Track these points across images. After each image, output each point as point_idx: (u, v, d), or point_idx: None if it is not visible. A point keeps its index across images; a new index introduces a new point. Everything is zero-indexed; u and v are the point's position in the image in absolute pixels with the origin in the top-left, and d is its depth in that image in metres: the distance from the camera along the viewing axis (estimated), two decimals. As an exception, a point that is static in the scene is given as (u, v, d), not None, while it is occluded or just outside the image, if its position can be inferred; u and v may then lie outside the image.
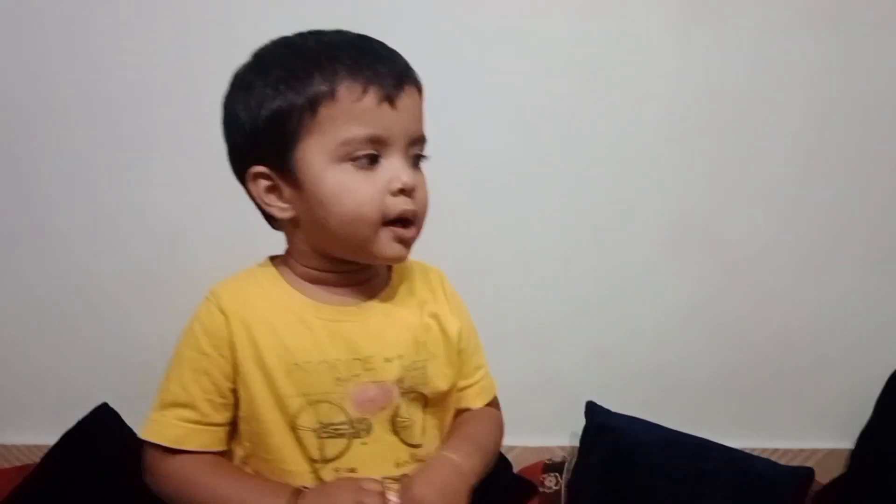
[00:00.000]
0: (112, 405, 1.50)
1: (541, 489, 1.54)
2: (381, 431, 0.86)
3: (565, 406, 1.62)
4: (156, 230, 1.56)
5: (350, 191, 0.81)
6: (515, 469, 1.57)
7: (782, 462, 1.56)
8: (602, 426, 1.52)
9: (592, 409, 1.56)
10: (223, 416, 0.87)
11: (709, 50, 1.59)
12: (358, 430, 0.85)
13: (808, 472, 1.48)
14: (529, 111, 1.57)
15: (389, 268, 0.96)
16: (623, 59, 1.59)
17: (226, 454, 0.90)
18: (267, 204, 0.86)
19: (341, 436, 0.84)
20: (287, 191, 0.84)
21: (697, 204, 1.64)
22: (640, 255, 1.64)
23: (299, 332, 0.85)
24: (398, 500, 0.80)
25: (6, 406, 1.58)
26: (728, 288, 1.67)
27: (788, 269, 1.66)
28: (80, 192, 1.55)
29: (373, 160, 0.81)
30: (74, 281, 1.57)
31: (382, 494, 0.79)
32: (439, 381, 0.91)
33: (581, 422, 1.57)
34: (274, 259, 0.93)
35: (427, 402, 0.91)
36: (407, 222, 0.85)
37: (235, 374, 0.85)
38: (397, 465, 0.87)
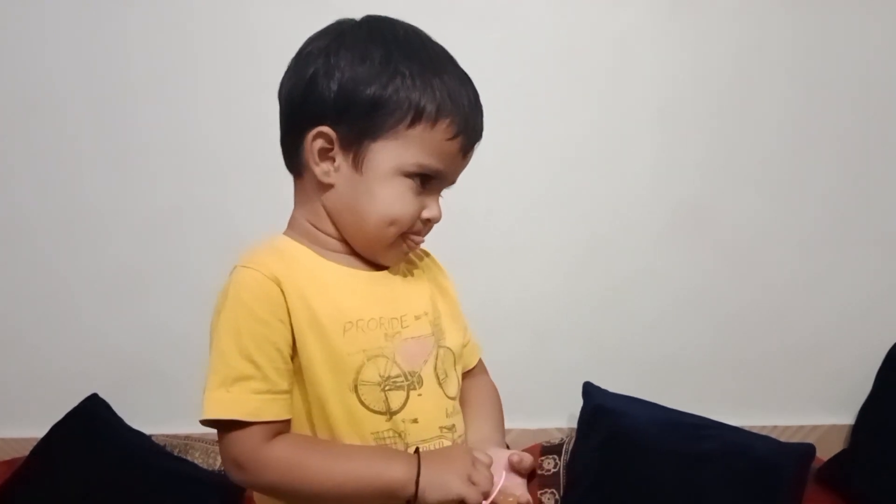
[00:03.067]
0: (102, 396, 1.48)
1: (539, 471, 1.53)
2: (430, 383, 0.89)
3: (562, 388, 1.61)
4: (142, 225, 1.55)
5: (404, 203, 0.86)
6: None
7: (783, 439, 1.54)
8: (599, 407, 1.51)
9: (589, 391, 1.54)
10: (288, 383, 0.86)
11: (696, 33, 1.58)
12: (413, 381, 0.88)
13: (809, 449, 1.46)
14: (517, 97, 1.56)
15: None
16: (609, 45, 1.58)
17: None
18: (316, 162, 0.86)
19: (400, 388, 0.87)
20: (343, 165, 0.86)
21: (691, 190, 1.63)
22: (637, 240, 1.64)
23: (347, 294, 0.88)
24: (501, 481, 0.85)
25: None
26: (725, 269, 1.65)
27: (785, 248, 1.65)
28: (68, 187, 1.54)
29: (426, 184, 0.87)
30: (61, 275, 1.55)
31: (489, 469, 0.84)
32: (454, 334, 0.96)
33: (578, 404, 1.56)
34: (288, 233, 0.93)
35: (455, 356, 0.95)
36: (417, 242, 0.92)
37: (293, 339, 0.85)
38: (447, 415, 0.91)
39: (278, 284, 0.83)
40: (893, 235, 1.65)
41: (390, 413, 0.86)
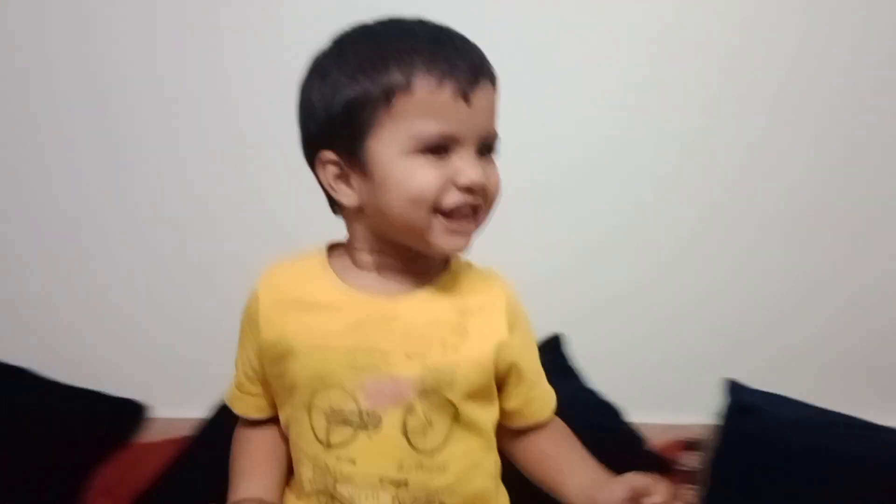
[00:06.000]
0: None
1: (677, 467, 1.51)
2: (389, 428, 0.84)
3: (702, 384, 1.58)
4: (255, 217, 1.63)
5: (415, 177, 0.80)
6: (651, 447, 1.54)
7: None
8: (745, 405, 1.48)
9: (733, 388, 1.52)
10: (256, 388, 0.96)
11: (815, 21, 1.55)
12: (366, 422, 0.84)
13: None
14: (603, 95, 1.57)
15: (447, 263, 0.94)
16: (724, 34, 1.56)
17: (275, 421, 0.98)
18: (334, 190, 0.86)
19: (348, 424, 0.84)
20: (355, 179, 0.84)
21: (806, 181, 1.60)
22: (764, 233, 1.62)
23: (326, 317, 0.86)
24: None
25: (162, 380, 1.67)
26: (863, 260, 1.62)
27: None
28: (177, 182, 1.64)
29: (442, 152, 0.81)
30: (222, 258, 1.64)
31: None
32: (465, 391, 0.87)
33: (718, 400, 1.53)
34: (332, 246, 0.95)
35: (458, 415, 0.87)
36: (461, 216, 0.84)
37: (260, 351, 0.91)
38: (400, 467, 0.84)
39: (256, 298, 0.91)
40: None
41: (328, 445, 0.86)
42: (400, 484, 0.84)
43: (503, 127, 0.89)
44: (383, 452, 0.84)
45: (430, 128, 0.79)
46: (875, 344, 1.63)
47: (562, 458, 0.96)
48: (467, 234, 0.85)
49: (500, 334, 0.90)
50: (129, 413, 1.65)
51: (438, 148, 0.80)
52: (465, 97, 0.80)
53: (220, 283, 1.60)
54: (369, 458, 0.84)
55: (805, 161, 1.60)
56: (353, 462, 0.84)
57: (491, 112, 0.85)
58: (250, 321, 0.91)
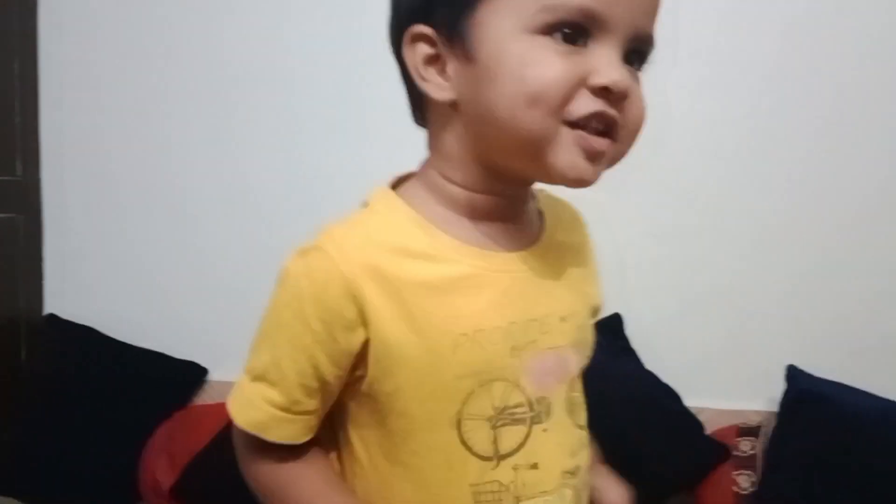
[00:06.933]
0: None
1: (735, 452, 1.49)
2: (559, 412, 0.67)
3: (760, 370, 1.56)
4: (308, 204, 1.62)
5: (537, 65, 0.58)
6: (707, 431, 1.52)
7: None
8: (806, 392, 1.45)
9: (794, 375, 1.49)
10: (317, 402, 0.66)
11: None
12: (538, 412, 0.66)
13: None
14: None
15: (530, 196, 0.73)
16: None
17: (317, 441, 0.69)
18: (423, 78, 0.63)
19: (520, 422, 0.65)
20: (452, 64, 0.62)
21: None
22: (838, 219, 1.57)
23: (463, 291, 0.64)
24: None
25: (222, 346, 1.71)
26: None
27: None
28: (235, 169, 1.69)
29: (578, 38, 0.58)
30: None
31: None
32: (593, 348, 0.74)
33: (777, 386, 1.51)
34: (401, 185, 0.69)
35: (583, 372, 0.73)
36: (599, 131, 0.60)
37: (362, 359, 0.64)
38: (572, 454, 0.69)
39: (354, 288, 0.61)
40: None
41: (498, 457, 0.64)
42: (574, 473, 0.68)
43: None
44: (559, 442, 0.67)
45: (570, 0, 0.57)
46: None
47: None
48: (600, 160, 0.61)
49: (598, 275, 0.76)
50: (191, 375, 1.69)
51: (574, 31, 0.58)
52: None
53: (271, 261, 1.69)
54: (551, 454, 0.67)
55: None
56: (536, 466, 0.66)
57: (654, 5, 0.62)
58: (334, 320, 0.62)
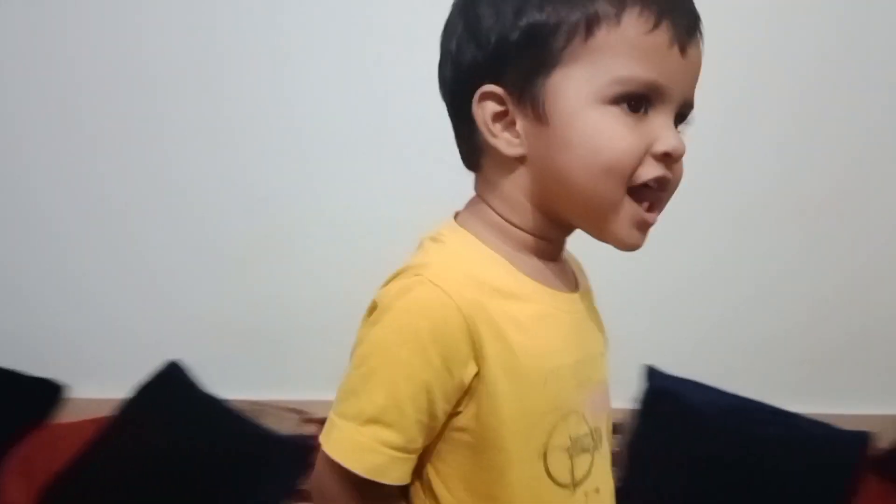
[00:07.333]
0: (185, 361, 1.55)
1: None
2: (606, 441, 0.74)
3: (624, 369, 1.62)
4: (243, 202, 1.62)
5: (613, 138, 0.63)
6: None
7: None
8: (661, 390, 1.53)
9: (651, 373, 1.57)
10: (424, 440, 0.67)
11: None
12: (596, 441, 0.71)
13: (865, 437, 1.47)
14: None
15: None
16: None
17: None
18: (492, 134, 0.67)
19: (587, 450, 0.70)
20: (522, 123, 0.67)
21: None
22: (711, 229, 1.64)
23: (544, 329, 0.68)
24: None
25: (81, 360, 1.64)
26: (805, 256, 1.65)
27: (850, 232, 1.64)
28: (162, 166, 1.62)
29: (641, 107, 0.64)
30: (160, 248, 1.63)
31: None
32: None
33: (640, 385, 1.58)
34: (474, 228, 0.71)
35: None
36: (653, 198, 0.67)
37: (464, 395, 0.65)
38: (612, 478, 0.76)
39: (470, 323, 0.63)
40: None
41: (574, 485, 0.69)
42: (614, 494, 0.75)
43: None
44: (608, 467, 0.74)
45: (638, 72, 0.63)
46: (795, 336, 1.67)
47: None
48: (647, 229, 0.68)
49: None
50: (46, 393, 1.61)
51: (639, 101, 0.64)
52: (682, 47, 0.64)
53: (140, 268, 1.63)
54: (606, 478, 0.73)
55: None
56: (598, 490, 0.71)
57: (697, 75, 0.68)
58: (451, 356, 0.63)
